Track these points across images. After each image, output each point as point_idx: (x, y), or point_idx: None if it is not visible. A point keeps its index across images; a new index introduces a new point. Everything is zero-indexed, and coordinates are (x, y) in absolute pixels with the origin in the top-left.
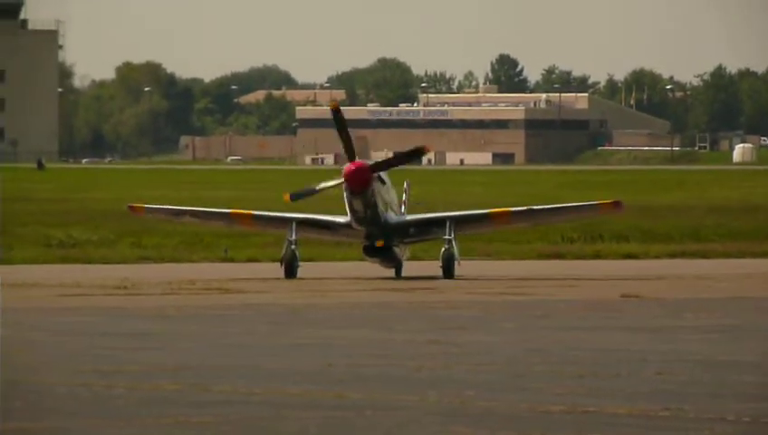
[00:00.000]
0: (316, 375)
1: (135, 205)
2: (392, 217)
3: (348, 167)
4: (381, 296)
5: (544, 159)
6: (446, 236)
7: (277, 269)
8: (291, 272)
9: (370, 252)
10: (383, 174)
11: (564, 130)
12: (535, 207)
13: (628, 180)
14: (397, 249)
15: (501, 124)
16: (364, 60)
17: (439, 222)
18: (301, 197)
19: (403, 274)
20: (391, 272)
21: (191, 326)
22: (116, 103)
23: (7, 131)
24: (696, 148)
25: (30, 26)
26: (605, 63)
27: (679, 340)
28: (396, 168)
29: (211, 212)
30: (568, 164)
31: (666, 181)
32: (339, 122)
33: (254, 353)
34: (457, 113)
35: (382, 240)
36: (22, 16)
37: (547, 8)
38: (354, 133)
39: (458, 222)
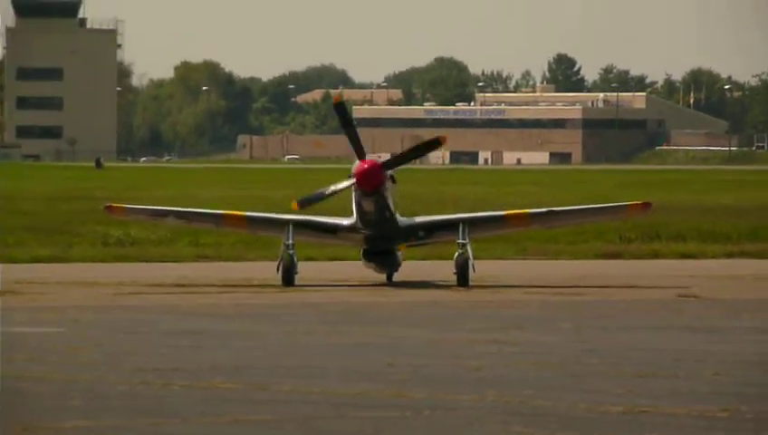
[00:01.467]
0: (375, 374)
1: (114, 205)
2: (401, 219)
3: (359, 166)
4: (440, 296)
5: (601, 159)
6: (460, 240)
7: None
8: (289, 280)
9: (371, 257)
10: (393, 172)
11: (622, 130)
12: (556, 209)
13: (685, 180)
14: (399, 253)
15: (558, 124)
16: (421, 59)
17: (451, 225)
18: (310, 202)
19: (395, 278)
20: (382, 277)
21: (249, 325)
22: (174, 102)
23: (66, 130)
24: (754, 148)
25: (88, 25)
26: (663, 63)
27: (737, 340)
28: (408, 163)
29: (199, 213)
30: (625, 164)
31: (723, 181)
32: (343, 118)
33: (312, 352)
34: (514, 112)
35: (403, 242)
36: (80, 15)
37: (605, 7)
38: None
39: (472, 224)
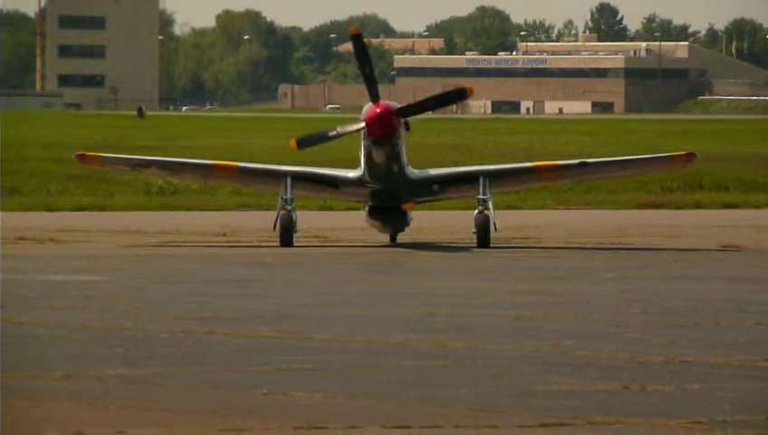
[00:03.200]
0: (417, 324)
1: (87, 154)
2: (413, 171)
3: (370, 109)
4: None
5: (644, 109)
6: (480, 196)
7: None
8: (287, 240)
9: (378, 214)
10: (409, 120)
11: (664, 80)
12: (589, 161)
13: (728, 130)
14: (408, 211)
15: (600, 73)
16: (463, 8)
17: (470, 178)
18: (310, 144)
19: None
20: (386, 237)
21: (291, 274)
22: (216, 51)
23: (108, 79)
24: None
25: None
26: (706, 12)
27: None
28: (432, 111)
29: (185, 163)
30: (668, 114)
31: (766, 131)
32: (360, 52)
33: (354, 302)
34: (556, 62)
35: (411, 201)
36: None
37: None
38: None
39: (494, 177)
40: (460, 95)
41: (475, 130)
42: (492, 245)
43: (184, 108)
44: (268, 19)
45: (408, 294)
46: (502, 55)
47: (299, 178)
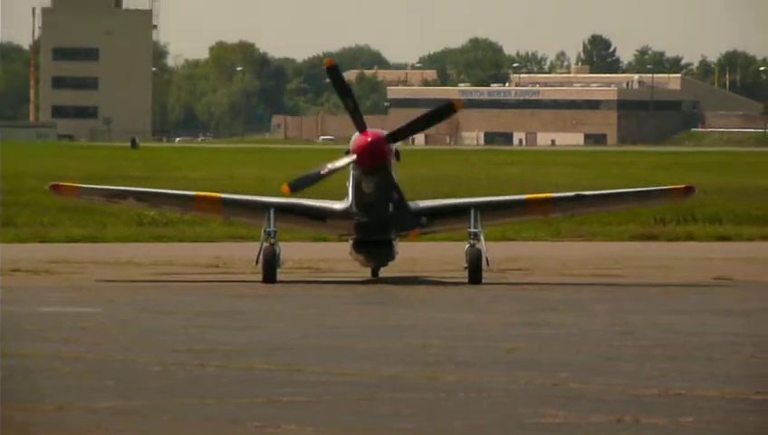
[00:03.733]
0: (409, 356)
1: (63, 184)
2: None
3: (360, 139)
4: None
5: (637, 141)
6: (472, 229)
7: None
8: (270, 275)
9: (363, 248)
10: (399, 149)
11: (657, 112)
12: (584, 194)
13: (721, 162)
14: (395, 244)
15: (593, 105)
16: (456, 40)
17: (461, 210)
18: (303, 186)
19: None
20: (367, 271)
21: (283, 306)
22: (209, 83)
23: (101, 110)
24: None
25: (124, 5)
26: (698, 45)
27: None
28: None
29: (164, 194)
30: (660, 145)
31: (759, 163)
32: (338, 84)
33: (346, 334)
34: (549, 94)
35: (405, 232)
36: None
37: None
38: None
39: (486, 210)
40: (449, 110)
41: (467, 161)
42: (483, 281)
43: (177, 139)
44: (261, 50)
45: (400, 326)
46: (494, 87)
47: (283, 211)
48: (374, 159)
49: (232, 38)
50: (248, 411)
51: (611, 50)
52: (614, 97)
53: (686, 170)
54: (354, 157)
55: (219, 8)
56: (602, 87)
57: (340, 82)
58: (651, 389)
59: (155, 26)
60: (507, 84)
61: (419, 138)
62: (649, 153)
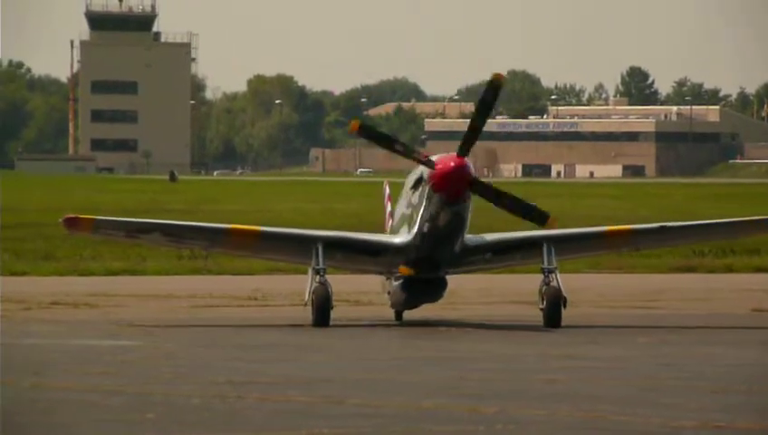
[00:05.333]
0: (449, 389)
1: (80, 217)
2: (467, 236)
3: (445, 162)
4: (512, 309)
5: (675, 172)
6: (545, 265)
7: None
8: (323, 318)
9: (415, 287)
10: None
11: (695, 143)
12: (669, 225)
13: (759, 193)
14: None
15: (631, 136)
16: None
17: (531, 244)
18: (373, 137)
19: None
20: (393, 312)
21: (322, 338)
22: (247, 116)
23: (140, 143)
24: None
25: (163, 39)
26: (737, 76)
27: None
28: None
29: (196, 228)
30: (699, 177)
31: None
32: (375, 139)
33: (386, 366)
34: (587, 126)
35: (463, 268)
36: (155, 29)
37: (678, 20)
38: (483, 145)
39: (559, 243)
40: (495, 87)
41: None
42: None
43: (215, 172)
44: (299, 83)
45: (438, 358)
46: (532, 119)
47: (331, 246)
48: (458, 189)
49: (270, 71)
50: None
51: (649, 82)
52: (652, 129)
53: (724, 202)
54: (432, 184)
55: (257, 41)
56: (640, 119)
57: (375, 136)
58: (692, 421)
59: (193, 59)
60: (545, 116)
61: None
62: (688, 185)
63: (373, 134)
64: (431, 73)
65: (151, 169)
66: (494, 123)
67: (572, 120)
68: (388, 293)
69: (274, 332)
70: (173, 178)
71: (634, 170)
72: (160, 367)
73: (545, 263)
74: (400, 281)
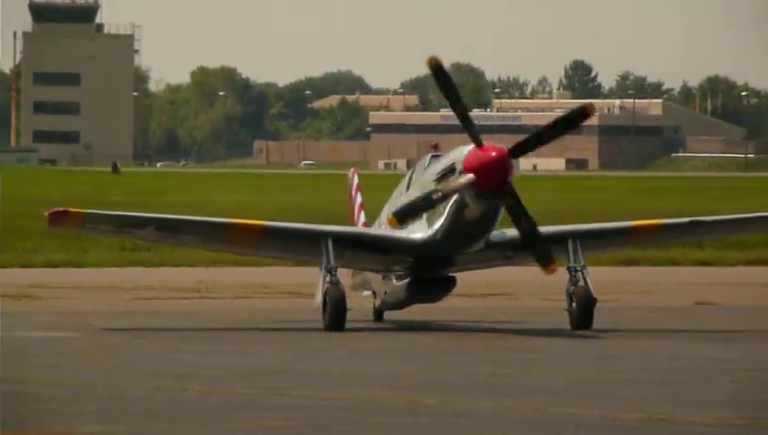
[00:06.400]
0: (390, 380)
1: (67, 210)
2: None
3: (483, 154)
4: (455, 302)
5: (618, 166)
6: (572, 264)
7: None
8: (338, 321)
9: (422, 287)
10: None
11: (638, 137)
12: (700, 220)
13: (702, 187)
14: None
15: (575, 130)
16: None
17: (555, 241)
18: (411, 215)
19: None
20: (370, 310)
21: (265, 330)
22: (191, 107)
23: (83, 135)
24: None
25: (106, 30)
26: (680, 70)
27: (754, 348)
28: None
29: (196, 222)
30: (642, 170)
31: (740, 188)
32: (445, 85)
33: (328, 358)
34: (531, 119)
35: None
36: (98, 20)
37: (621, 14)
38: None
39: (585, 239)
40: (581, 115)
41: None
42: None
43: (158, 164)
44: (243, 75)
45: (380, 350)
46: (476, 112)
47: (343, 241)
48: (499, 181)
49: (213, 62)
50: None
51: (593, 75)
52: (595, 122)
53: (666, 196)
54: (471, 176)
55: (201, 33)
56: None
57: (446, 82)
58: (632, 413)
59: (136, 51)
60: (489, 109)
61: (401, 164)
62: (630, 178)
63: (445, 80)
64: (375, 66)
65: (94, 160)
66: (438, 116)
67: (516, 113)
68: (374, 292)
69: (217, 324)
70: (116, 169)
71: (577, 164)
72: (101, 359)
73: (572, 261)
74: (406, 280)
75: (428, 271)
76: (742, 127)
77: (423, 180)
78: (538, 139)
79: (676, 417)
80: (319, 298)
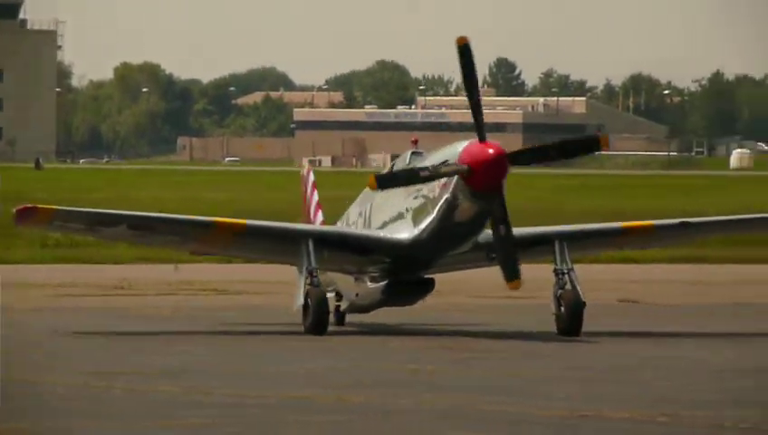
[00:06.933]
0: (317, 379)
1: (36, 206)
2: None
3: (481, 148)
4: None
5: (541, 163)
6: (559, 266)
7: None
8: (321, 324)
9: (399, 291)
10: None
11: (562, 134)
12: (691, 221)
13: (625, 184)
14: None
15: (498, 127)
16: (362, 62)
17: (540, 242)
18: (394, 184)
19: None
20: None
21: (189, 328)
22: (114, 104)
23: (5, 131)
24: (693, 153)
25: (29, 26)
26: (603, 68)
27: (678, 345)
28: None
29: (174, 220)
30: (565, 168)
31: (663, 186)
32: (467, 68)
33: (253, 356)
34: (455, 116)
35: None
36: (21, 16)
37: (546, 12)
38: (351, 135)
39: (573, 241)
40: (592, 145)
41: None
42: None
43: (81, 160)
44: (167, 71)
45: (306, 348)
46: (401, 109)
47: (324, 242)
48: (495, 179)
49: (137, 58)
50: (154, 434)
51: (517, 73)
52: (519, 120)
53: (589, 193)
54: (466, 167)
55: (124, 29)
56: (508, 110)
57: (471, 66)
58: (558, 410)
59: (59, 47)
60: (413, 107)
61: (326, 161)
62: (554, 175)
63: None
64: (299, 63)
65: (16, 156)
66: (362, 113)
67: (440, 110)
68: (339, 294)
69: (141, 321)
70: (38, 166)
71: None
72: (25, 356)
73: (558, 263)
74: (383, 283)
75: (407, 273)
76: (664, 125)
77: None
78: (539, 152)
79: (602, 414)
80: (300, 300)
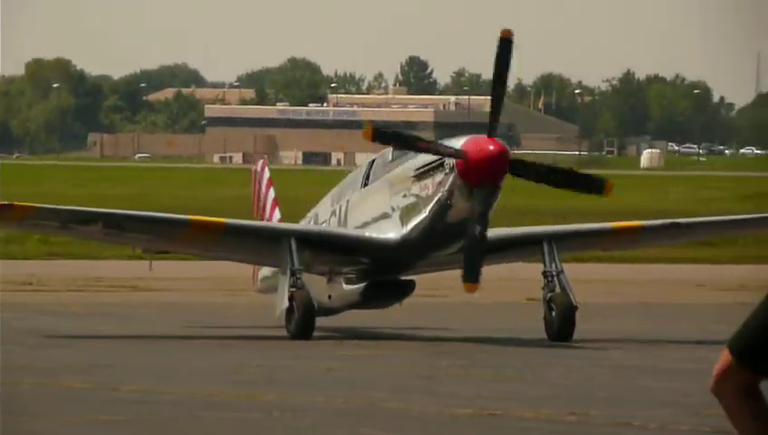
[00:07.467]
0: (228, 375)
1: (13, 203)
2: None
3: (484, 142)
4: None
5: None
6: (548, 268)
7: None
8: (308, 328)
9: (378, 293)
10: None
11: (471, 131)
12: (680, 221)
13: (535, 184)
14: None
15: (410, 126)
16: (274, 59)
17: (527, 243)
18: (391, 141)
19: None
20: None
21: (99, 324)
22: (24, 99)
23: None
24: (604, 152)
25: None
26: (514, 67)
27: (586, 345)
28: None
29: (150, 219)
30: None
31: None
32: (502, 62)
33: (165, 352)
34: (367, 114)
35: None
36: None
37: (457, 11)
38: (263, 132)
39: (562, 241)
40: (596, 187)
41: (289, 180)
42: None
43: None
44: (78, 67)
45: (219, 345)
46: (312, 107)
47: (303, 242)
48: (491, 174)
49: (48, 54)
50: (65, 431)
51: (428, 72)
52: (431, 118)
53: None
54: (463, 153)
55: (35, 24)
56: (419, 108)
57: (507, 61)
58: (466, 408)
59: None
60: (325, 104)
61: (237, 157)
62: None
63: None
64: (211, 60)
65: None
66: (274, 110)
67: (352, 108)
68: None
69: (50, 317)
70: None
71: None
72: None
73: (547, 265)
74: (361, 284)
75: (386, 274)
76: (575, 125)
77: (395, 175)
78: (538, 174)
79: (510, 413)
80: (284, 304)
